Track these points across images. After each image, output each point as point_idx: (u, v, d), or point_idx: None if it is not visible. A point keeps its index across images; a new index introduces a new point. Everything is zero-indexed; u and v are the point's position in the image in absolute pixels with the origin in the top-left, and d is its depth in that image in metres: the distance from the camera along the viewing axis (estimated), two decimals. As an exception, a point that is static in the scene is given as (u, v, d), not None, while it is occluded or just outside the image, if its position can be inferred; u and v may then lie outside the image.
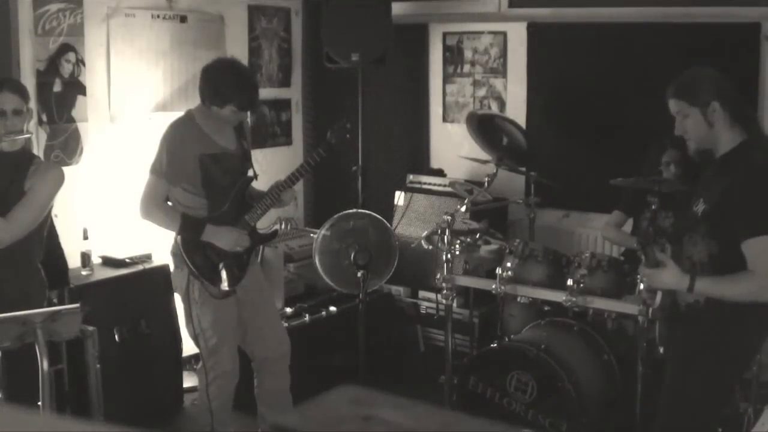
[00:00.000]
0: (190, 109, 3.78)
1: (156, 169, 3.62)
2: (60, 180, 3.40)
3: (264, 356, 3.87)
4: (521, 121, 5.22)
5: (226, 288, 3.67)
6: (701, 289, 2.83)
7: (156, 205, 3.63)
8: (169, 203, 3.68)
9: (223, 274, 3.67)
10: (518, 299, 4.24)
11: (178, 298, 4.12)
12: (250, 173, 3.81)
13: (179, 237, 3.64)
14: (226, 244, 3.64)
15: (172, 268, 3.84)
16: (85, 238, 4.30)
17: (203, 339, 3.68)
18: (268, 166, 5.12)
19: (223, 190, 3.67)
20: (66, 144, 4.41)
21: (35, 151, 4.02)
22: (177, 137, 3.63)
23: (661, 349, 3.22)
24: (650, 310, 3.39)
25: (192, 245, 3.63)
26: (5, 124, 3.24)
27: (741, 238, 2.77)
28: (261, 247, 4.56)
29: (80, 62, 4.46)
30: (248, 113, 3.86)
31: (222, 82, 3.58)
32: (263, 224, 4.06)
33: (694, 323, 2.96)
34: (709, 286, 2.83)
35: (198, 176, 3.62)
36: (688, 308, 2.95)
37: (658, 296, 3.08)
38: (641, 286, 3.53)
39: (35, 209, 3.32)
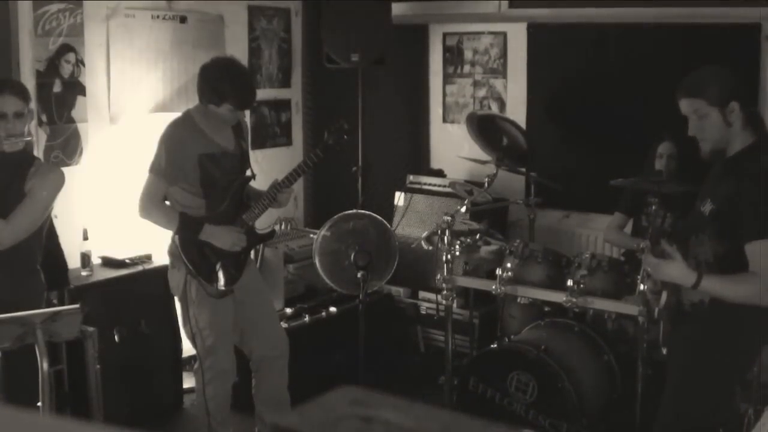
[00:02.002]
0: (188, 108, 3.79)
1: (155, 169, 3.62)
2: (60, 182, 3.40)
3: (262, 356, 3.87)
4: (521, 121, 5.22)
5: (223, 287, 3.67)
6: (706, 286, 2.81)
7: (154, 204, 3.64)
8: (167, 203, 3.68)
9: (221, 274, 3.67)
10: (518, 300, 4.24)
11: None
12: (249, 173, 3.81)
13: (177, 236, 3.64)
14: (223, 244, 3.64)
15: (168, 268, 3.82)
16: (85, 238, 4.30)
17: (200, 338, 3.68)
18: (268, 167, 5.12)
19: (221, 190, 3.68)
20: (66, 144, 4.41)
21: (35, 152, 4.02)
22: (176, 137, 3.64)
23: (664, 351, 3.22)
24: (656, 311, 3.39)
25: (190, 244, 3.63)
26: (6, 126, 3.24)
27: (744, 240, 2.76)
28: (261, 247, 4.57)
29: (80, 63, 4.45)
30: (245, 112, 3.84)
31: (219, 81, 3.58)
32: (263, 224, 4.06)
33: (698, 323, 2.96)
34: (713, 284, 2.82)
35: (197, 176, 3.62)
36: (693, 308, 2.95)
37: (663, 296, 3.06)
38: (642, 287, 3.53)
39: (35, 211, 3.32)
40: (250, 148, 3.97)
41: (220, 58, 3.81)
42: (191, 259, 3.62)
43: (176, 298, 3.89)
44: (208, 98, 3.60)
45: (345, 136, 3.82)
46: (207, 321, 3.66)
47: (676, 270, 2.85)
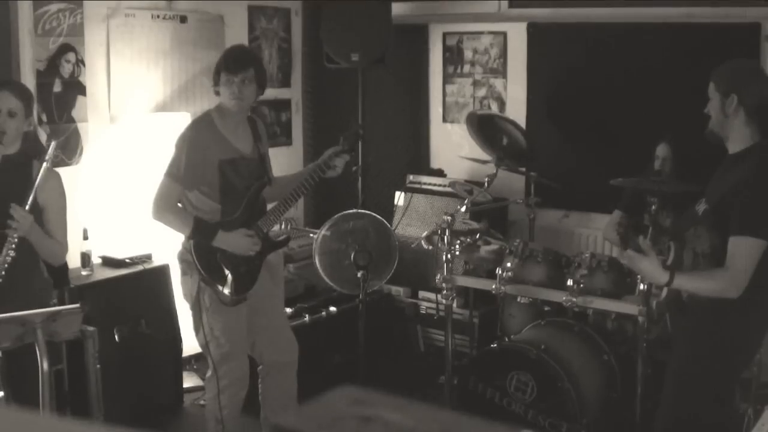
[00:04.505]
0: (209, 110, 3.74)
1: (173, 173, 3.54)
2: (61, 182, 3.40)
3: (272, 361, 3.82)
4: (521, 121, 5.22)
5: (237, 295, 3.60)
6: (679, 284, 2.90)
7: (168, 207, 3.55)
8: (179, 205, 3.61)
9: (235, 280, 3.59)
10: (518, 299, 4.24)
11: (178, 299, 4.10)
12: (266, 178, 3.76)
13: (191, 242, 3.56)
14: (237, 250, 3.58)
15: (179, 274, 3.75)
16: (85, 238, 4.30)
17: (215, 346, 3.62)
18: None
19: (237, 195, 3.60)
20: (66, 144, 4.41)
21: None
22: (196, 141, 3.56)
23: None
24: (655, 303, 3.42)
25: (203, 250, 3.55)
26: None
27: (729, 233, 2.80)
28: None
29: (80, 62, 4.46)
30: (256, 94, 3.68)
31: (218, 60, 3.64)
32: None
33: (696, 315, 2.99)
34: (685, 281, 2.90)
35: (215, 181, 3.56)
36: (690, 300, 2.98)
37: (664, 290, 3.12)
38: (642, 286, 3.54)
39: (64, 218, 3.38)
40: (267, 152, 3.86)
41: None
42: (204, 265, 3.54)
43: (181, 301, 3.85)
44: (213, 81, 3.60)
45: (359, 140, 3.79)
46: (222, 329, 3.60)
47: (649, 268, 2.92)
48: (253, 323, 3.75)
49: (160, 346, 4.43)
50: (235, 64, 3.55)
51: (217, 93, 3.61)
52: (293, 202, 3.71)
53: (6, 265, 3.16)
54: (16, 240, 3.17)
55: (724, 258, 2.87)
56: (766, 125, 2.97)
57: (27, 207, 3.19)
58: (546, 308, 4.26)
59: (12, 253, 3.17)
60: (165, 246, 4.22)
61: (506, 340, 4.15)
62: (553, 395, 3.75)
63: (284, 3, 5.68)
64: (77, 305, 3.06)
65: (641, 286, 3.54)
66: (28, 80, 4.17)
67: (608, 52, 5.07)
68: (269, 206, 3.74)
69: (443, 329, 4.38)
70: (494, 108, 5.56)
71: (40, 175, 3.23)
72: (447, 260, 4.02)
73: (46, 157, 3.22)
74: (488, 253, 4.28)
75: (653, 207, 3.80)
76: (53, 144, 3.29)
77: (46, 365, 2.86)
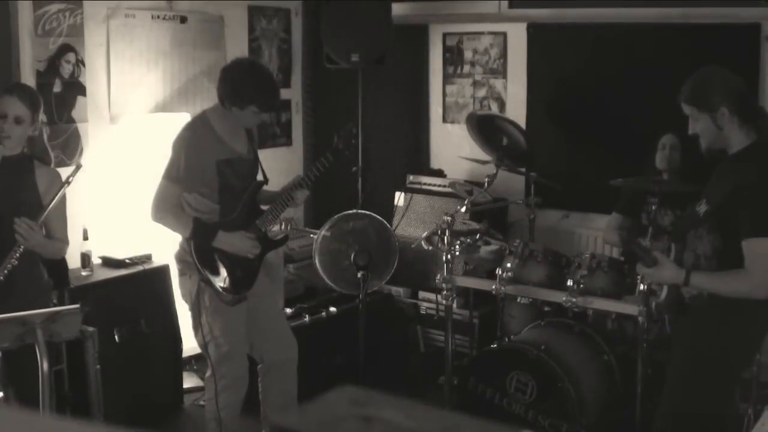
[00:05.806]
0: (204, 110, 3.72)
1: (171, 175, 3.53)
2: (61, 179, 3.40)
3: (273, 360, 3.82)
4: (521, 121, 5.22)
5: (238, 294, 3.61)
6: (696, 283, 2.90)
7: (168, 209, 3.54)
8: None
9: (234, 280, 3.59)
10: (518, 300, 4.25)
11: (178, 299, 4.10)
12: (260, 177, 3.76)
13: (191, 242, 3.55)
14: (238, 250, 3.58)
15: (176, 274, 3.75)
16: (85, 238, 4.30)
17: (215, 346, 3.62)
18: (268, 167, 5.10)
19: (235, 196, 3.61)
20: (66, 144, 4.41)
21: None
22: (194, 142, 3.55)
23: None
24: (654, 304, 3.43)
25: (204, 251, 3.55)
26: (3, 127, 3.20)
27: (742, 236, 2.80)
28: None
29: (80, 63, 4.46)
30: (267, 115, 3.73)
31: (243, 83, 3.51)
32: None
33: (698, 315, 3.00)
34: (703, 281, 2.91)
35: (215, 182, 3.56)
36: (692, 300, 2.99)
37: (664, 290, 3.13)
38: (641, 287, 3.54)
39: (64, 215, 3.39)
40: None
41: (242, 60, 3.77)
42: (204, 265, 3.54)
43: (181, 300, 3.85)
44: (231, 101, 3.51)
45: (354, 140, 3.80)
46: (222, 329, 3.60)
47: (667, 272, 2.95)
48: (252, 323, 3.75)
49: (160, 346, 4.43)
50: (269, 105, 3.66)
51: (222, 101, 3.56)
52: (288, 204, 3.72)
53: (8, 268, 3.16)
54: (21, 250, 3.18)
55: (726, 259, 2.87)
56: (759, 122, 2.98)
57: (39, 222, 3.20)
58: (546, 308, 4.27)
59: (15, 262, 3.18)
60: (165, 246, 4.21)
61: (506, 340, 4.15)
62: (553, 395, 3.75)
63: (284, 3, 5.68)
64: (77, 305, 3.06)
65: (641, 287, 3.55)
66: (29, 81, 4.16)
67: (608, 52, 5.07)
68: (264, 207, 3.75)
69: (443, 329, 4.38)
70: (494, 108, 5.56)
71: (56, 197, 3.24)
72: (447, 260, 4.02)
73: (70, 179, 3.26)
74: (488, 254, 4.28)
75: (653, 207, 3.80)
76: (77, 167, 3.31)
77: (46, 365, 2.86)
